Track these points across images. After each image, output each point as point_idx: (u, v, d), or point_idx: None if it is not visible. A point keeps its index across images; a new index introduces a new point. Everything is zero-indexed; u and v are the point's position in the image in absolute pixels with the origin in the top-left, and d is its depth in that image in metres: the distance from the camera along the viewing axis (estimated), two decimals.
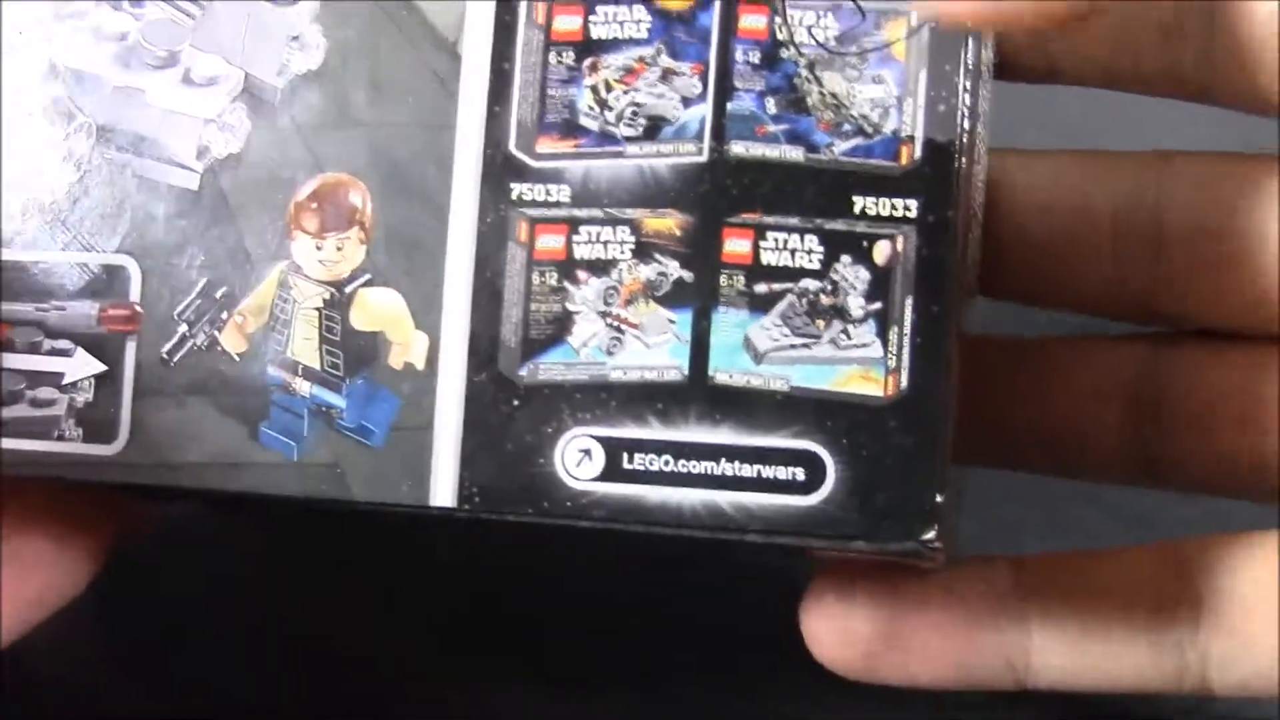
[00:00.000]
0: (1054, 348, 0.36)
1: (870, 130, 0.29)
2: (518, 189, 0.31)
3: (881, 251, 0.29)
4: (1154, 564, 0.34)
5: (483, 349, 0.30)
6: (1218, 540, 0.33)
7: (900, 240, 0.29)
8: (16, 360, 0.32)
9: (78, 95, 0.32)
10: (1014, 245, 0.35)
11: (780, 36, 0.30)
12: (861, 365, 0.29)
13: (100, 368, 0.32)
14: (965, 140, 0.29)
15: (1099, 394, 0.35)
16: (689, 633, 0.41)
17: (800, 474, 0.29)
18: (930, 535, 0.28)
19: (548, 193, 0.30)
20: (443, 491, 0.30)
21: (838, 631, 0.33)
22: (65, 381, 0.32)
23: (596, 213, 0.30)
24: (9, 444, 0.32)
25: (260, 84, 0.32)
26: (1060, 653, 0.34)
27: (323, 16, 0.31)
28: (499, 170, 0.31)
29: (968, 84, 0.29)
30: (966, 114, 0.29)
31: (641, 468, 0.30)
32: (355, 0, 0.31)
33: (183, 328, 0.31)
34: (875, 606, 0.33)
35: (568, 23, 0.31)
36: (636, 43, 0.30)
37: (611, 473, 0.30)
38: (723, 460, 0.29)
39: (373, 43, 0.31)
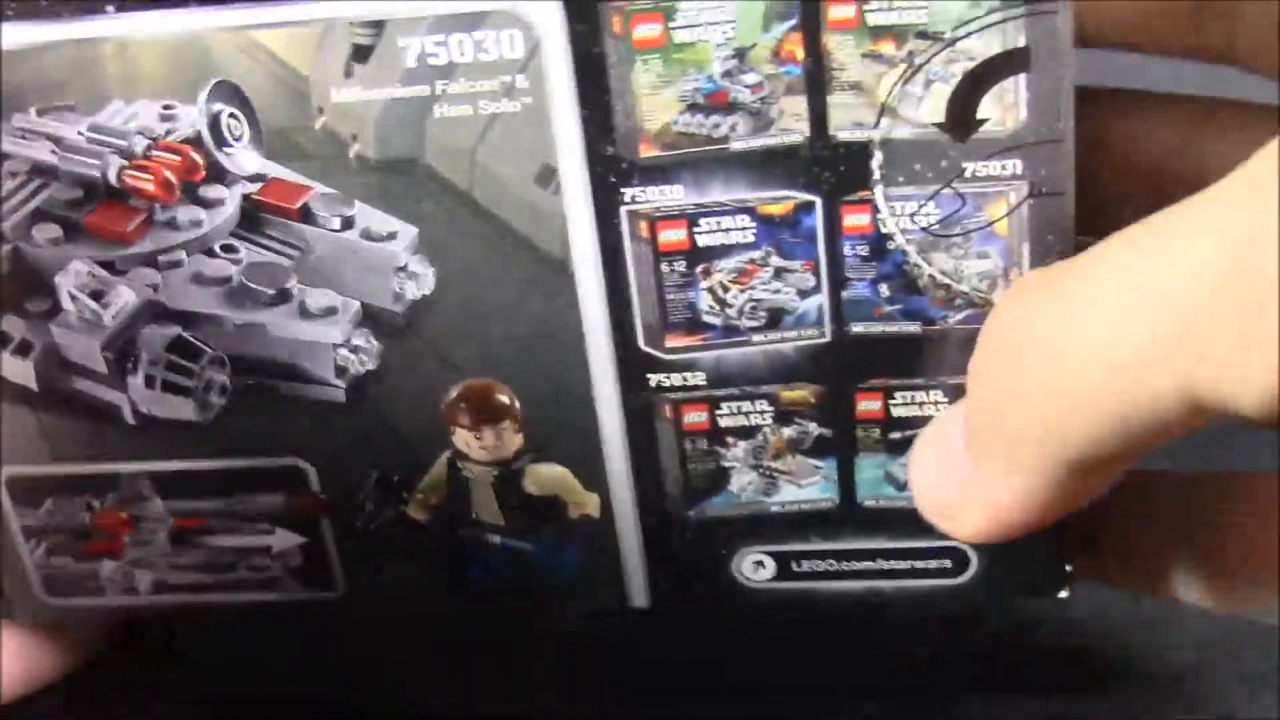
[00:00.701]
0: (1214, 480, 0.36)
1: (980, 301, 0.31)
2: (655, 379, 0.32)
3: None
4: None
5: (650, 500, 0.34)
6: None
7: None
8: (223, 540, 0.35)
9: (199, 334, 0.33)
10: None
11: (884, 230, 0.30)
12: None
13: (300, 540, 0.35)
14: None
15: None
16: None
17: (948, 563, 0.34)
18: (1064, 595, 0.34)
19: (684, 379, 0.32)
20: (639, 597, 0.35)
21: None
22: (274, 552, 0.35)
23: (734, 390, 0.32)
24: (242, 597, 0.36)
25: (382, 310, 0.32)
26: None
27: (423, 247, 0.31)
28: (634, 365, 0.32)
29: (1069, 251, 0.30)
30: None
31: (809, 570, 0.34)
32: (454, 231, 0.31)
33: (370, 506, 0.34)
34: None
35: (673, 235, 0.31)
36: (745, 247, 0.31)
37: (784, 575, 0.34)
38: (879, 559, 0.34)
39: (481, 266, 0.32)
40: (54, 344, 0.34)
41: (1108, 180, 0.34)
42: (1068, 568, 0.34)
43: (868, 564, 0.34)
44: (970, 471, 0.29)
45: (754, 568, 0.35)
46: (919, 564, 0.34)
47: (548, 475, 0.34)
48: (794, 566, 0.35)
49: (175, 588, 0.36)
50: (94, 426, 0.35)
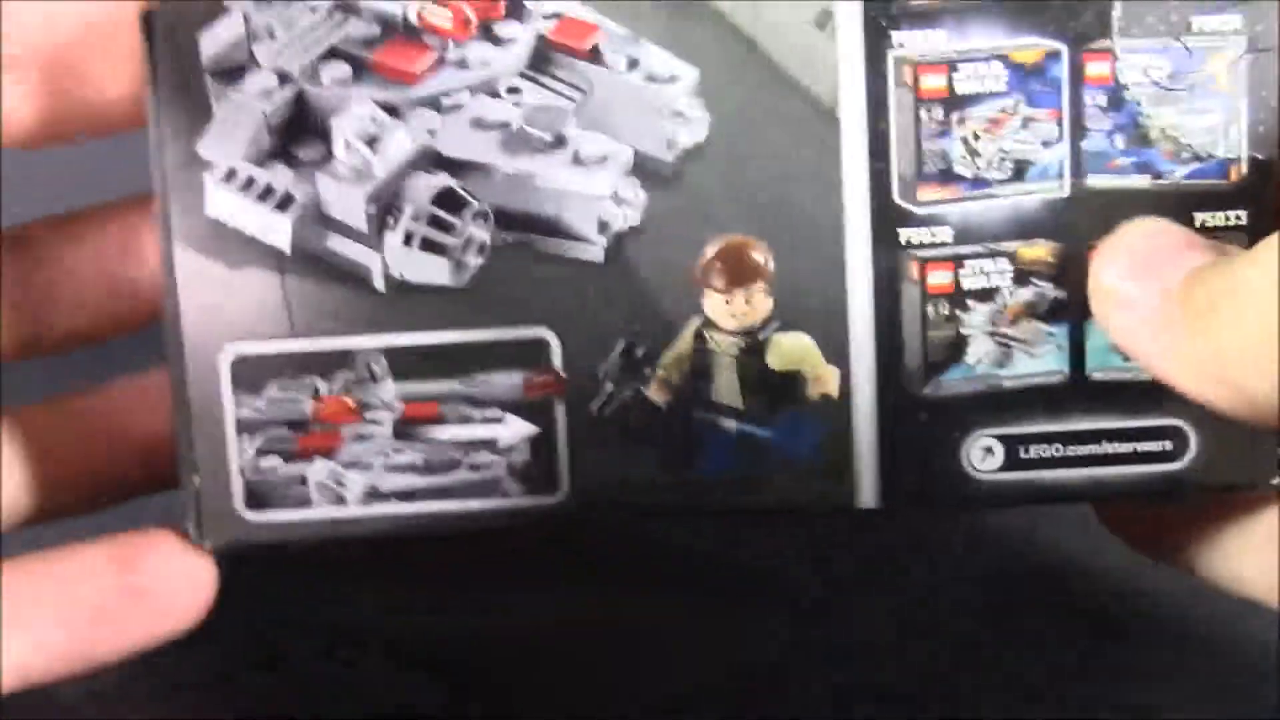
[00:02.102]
0: None
1: (1204, 155, 0.35)
2: (905, 234, 0.35)
3: None
4: None
5: (889, 375, 0.35)
6: None
7: (1234, 247, 0.35)
8: (449, 431, 0.35)
9: (469, 184, 0.34)
10: None
11: (1121, 80, 0.34)
12: None
13: (533, 430, 0.35)
14: None
15: None
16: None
17: (1169, 445, 0.35)
18: (1277, 481, 0.35)
19: (932, 235, 0.35)
20: (867, 495, 0.35)
21: None
22: (501, 446, 0.35)
23: (978, 248, 0.35)
24: (455, 505, 0.35)
25: (650, 159, 0.34)
26: None
27: (702, 90, 0.34)
28: (887, 219, 0.35)
29: None
30: None
31: (1036, 456, 0.35)
32: (731, 75, 0.34)
33: (609, 386, 0.35)
34: None
35: (934, 81, 0.34)
36: (997, 95, 0.35)
37: (1011, 464, 0.35)
38: (1103, 441, 0.35)
39: (754, 112, 0.35)
40: (316, 197, 0.34)
41: None
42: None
43: (1093, 447, 0.35)
44: (1175, 321, 0.31)
45: (983, 455, 0.35)
46: (1141, 446, 0.35)
47: (791, 345, 0.35)
48: (1021, 453, 0.35)
49: (387, 495, 0.35)
50: (340, 294, 0.35)
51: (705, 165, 0.35)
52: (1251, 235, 0.35)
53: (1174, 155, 0.35)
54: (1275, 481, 0.36)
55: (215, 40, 0.34)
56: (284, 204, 0.34)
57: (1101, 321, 0.34)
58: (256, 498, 0.36)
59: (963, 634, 0.44)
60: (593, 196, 0.35)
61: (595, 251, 0.35)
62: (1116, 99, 0.35)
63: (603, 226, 0.35)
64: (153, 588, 0.36)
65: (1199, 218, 0.35)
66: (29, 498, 0.38)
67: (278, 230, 0.35)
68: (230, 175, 0.34)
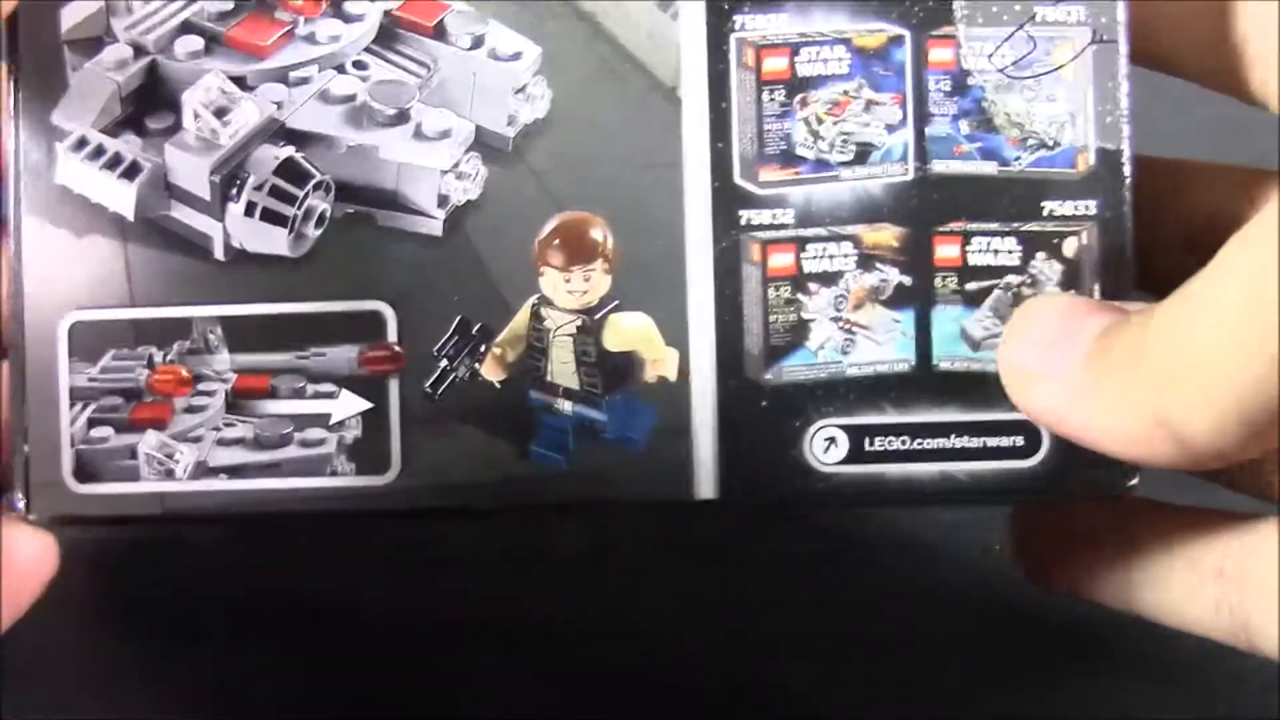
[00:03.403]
0: None
1: (1051, 144, 0.34)
2: (746, 215, 0.35)
3: (1070, 246, 0.34)
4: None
5: (729, 359, 0.35)
6: None
7: (1085, 235, 0.34)
8: (282, 406, 0.35)
9: (313, 157, 0.35)
10: None
11: (965, 65, 0.35)
12: None
13: (365, 405, 0.35)
14: (1129, 145, 0.34)
15: None
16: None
17: (1020, 440, 0.34)
18: (1134, 482, 0.34)
19: (774, 216, 0.35)
20: (705, 486, 0.35)
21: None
22: (333, 421, 0.35)
23: (821, 231, 0.35)
24: (286, 483, 0.35)
25: (491, 134, 0.35)
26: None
27: (544, 69, 0.35)
28: (727, 200, 0.35)
29: (1127, 97, 0.34)
30: (1128, 121, 0.34)
31: (882, 449, 0.34)
32: (574, 53, 0.35)
33: (443, 363, 0.35)
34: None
35: (776, 64, 0.35)
36: (839, 78, 0.35)
37: (856, 456, 0.34)
38: (952, 435, 0.34)
39: (595, 90, 0.35)
40: (163, 166, 0.35)
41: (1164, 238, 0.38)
42: None
43: (941, 441, 0.34)
44: (1099, 376, 0.31)
45: (826, 446, 0.34)
46: (991, 441, 0.34)
47: (629, 326, 0.35)
48: (866, 444, 0.34)
49: (216, 471, 0.35)
50: (180, 263, 0.35)
51: (546, 142, 0.35)
52: (1101, 225, 0.35)
53: (1020, 142, 0.35)
54: (1132, 483, 0.34)
55: (75, 13, 0.35)
56: (131, 172, 0.35)
57: (1021, 403, 0.33)
58: (86, 469, 0.35)
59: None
60: (433, 170, 0.35)
61: (434, 225, 0.35)
62: (960, 85, 0.35)
63: (442, 200, 0.35)
64: None
65: (1048, 206, 0.35)
66: None
67: (122, 197, 0.35)
68: (81, 143, 0.35)
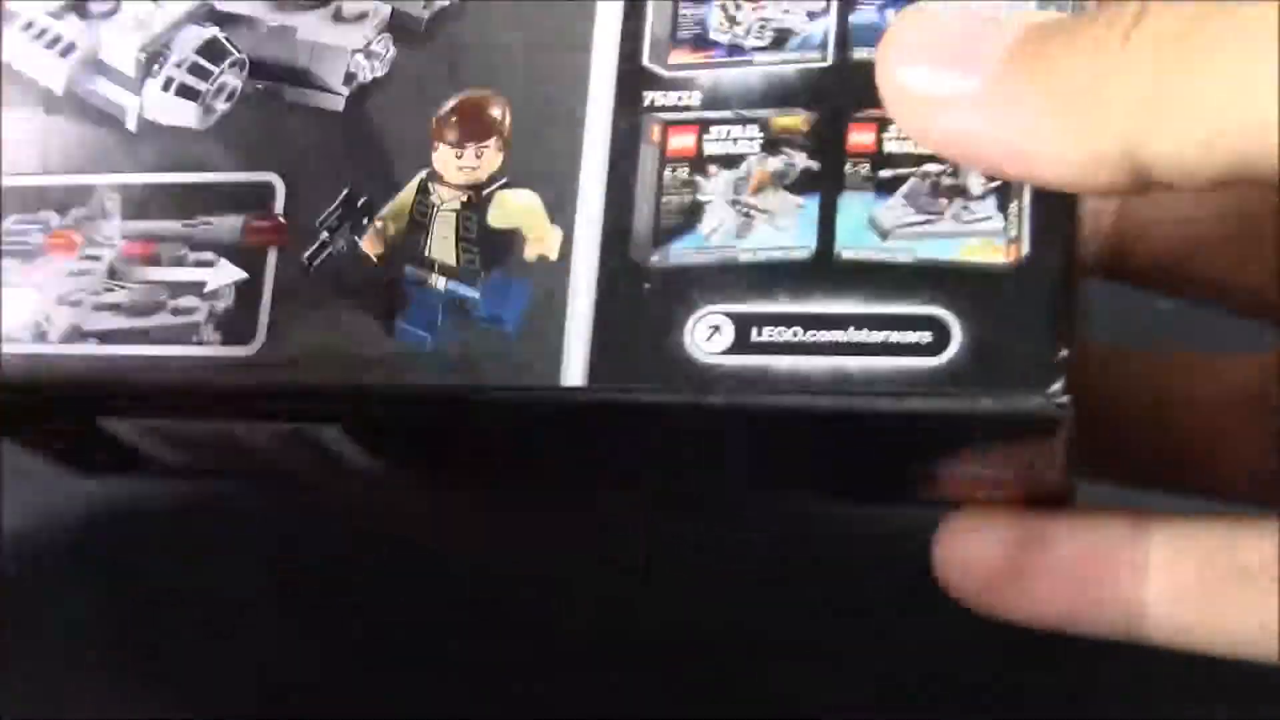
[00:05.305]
0: (1181, 361, 0.38)
1: None
2: (650, 96, 0.33)
3: None
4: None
5: (615, 239, 0.32)
6: None
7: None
8: (161, 273, 0.34)
9: (234, 36, 0.35)
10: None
11: None
12: (984, 236, 0.30)
13: (241, 275, 0.33)
14: None
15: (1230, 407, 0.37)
16: None
17: (927, 337, 0.30)
18: (1057, 387, 0.29)
19: (679, 99, 0.32)
20: (574, 372, 0.31)
21: (966, 560, 0.34)
22: (207, 290, 0.33)
23: (726, 114, 0.32)
24: (151, 350, 0.33)
25: (407, 16, 0.34)
26: (1175, 609, 0.34)
27: None
28: (633, 81, 0.33)
29: None
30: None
31: (770, 339, 0.31)
32: None
33: (324, 235, 0.33)
34: (1003, 541, 0.34)
35: None
36: None
37: (741, 345, 0.31)
38: (850, 328, 0.30)
39: None
40: (98, 45, 0.35)
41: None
42: (1063, 353, 0.29)
43: (837, 334, 0.30)
44: (1046, 97, 0.27)
45: (709, 333, 0.30)
46: (893, 336, 0.30)
47: (514, 202, 0.32)
48: (754, 334, 0.30)
49: (88, 336, 0.33)
50: (93, 135, 0.35)
51: (459, 25, 0.34)
52: None
53: None
54: (1055, 393, 0.29)
55: None
56: (67, 50, 0.36)
57: (919, 135, 0.29)
58: None
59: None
60: (343, 49, 0.34)
61: (337, 101, 0.34)
62: None
63: (349, 78, 0.34)
64: None
65: None
66: None
67: (55, 73, 0.35)
68: (28, 25, 0.36)
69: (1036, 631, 0.35)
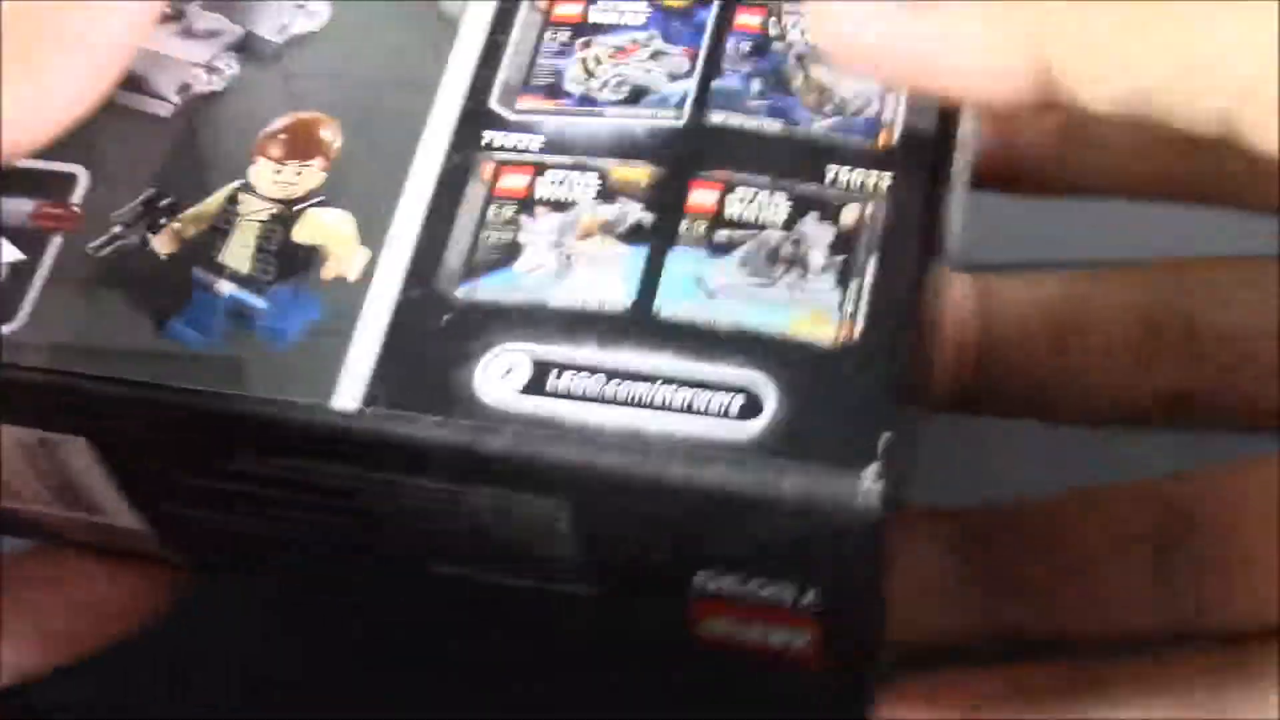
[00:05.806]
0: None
1: (852, 112, 0.29)
2: (489, 136, 0.30)
3: (850, 213, 0.28)
4: None
5: (424, 268, 0.29)
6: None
7: (870, 206, 0.28)
8: None
9: None
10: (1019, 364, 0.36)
11: (772, 33, 0.31)
12: (816, 310, 0.28)
13: (17, 256, 0.30)
14: (945, 128, 0.29)
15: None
16: None
17: (738, 402, 0.27)
18: (871, 471, 0.26)
19: (519, 141, 0.30)
20: (347, 395, 0.28)
21: None
22: None
23: (565, 159, 0.30)
24: None
25: (260, 39, 0.32)
26: None
27: None
28: (475, 121, 0.31)
29: None
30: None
31: (566, 386, 0.27)
32: None
33: (117, 228, 0.30)
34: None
35: (569, 9, 0.32)
36: (632, 28, 0.31)
37: (534, 387, 0.27)
38: (657, 383, 0.27)
39: (375, 15, 0.32)
40: None
41: None
42: (884, 438, 0.25)
43: (642, 387, 0.27)
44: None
45: (503, 372, 0.27)
46: (701, 396, 0.26)
47: (323, 220, 0.30)
48: (551, 379, 0.27)
49: None
50: None
51: (309, 52, 0.32)
52: (893, 201, 0.28)
53: (816, 108, 0.29)
54: (869, 478, 0.25)
55: None
56: None
57: (831, 43, 0.27)
58: None
59: None
60: (184, 62, 0.32)
61: (165, 108, 0.32)
62: (763, 48, 0.30)
63: (183, 89, 0.32)
64: None
65: (832, 171, 0.29)
66: None
67: None
68: None
69: None
